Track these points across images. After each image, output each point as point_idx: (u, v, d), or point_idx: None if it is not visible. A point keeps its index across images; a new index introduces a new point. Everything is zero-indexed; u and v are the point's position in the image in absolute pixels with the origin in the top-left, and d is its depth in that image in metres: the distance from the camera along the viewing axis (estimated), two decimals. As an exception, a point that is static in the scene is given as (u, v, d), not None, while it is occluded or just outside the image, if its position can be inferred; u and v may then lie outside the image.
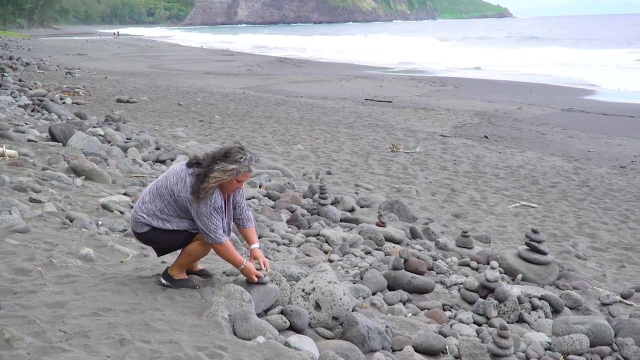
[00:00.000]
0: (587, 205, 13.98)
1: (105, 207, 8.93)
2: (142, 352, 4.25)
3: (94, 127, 16.18)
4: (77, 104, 23.00)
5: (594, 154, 19.23)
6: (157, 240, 5.58)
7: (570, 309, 7.75)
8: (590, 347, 6.25)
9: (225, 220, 5.53)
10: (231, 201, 5.63)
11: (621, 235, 12.06)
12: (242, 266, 5.52)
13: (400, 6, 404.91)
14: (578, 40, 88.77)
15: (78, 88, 27.70)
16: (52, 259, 6.05)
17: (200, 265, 6.07)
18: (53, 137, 13.24)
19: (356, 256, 8.68)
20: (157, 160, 13.67)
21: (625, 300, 8.33)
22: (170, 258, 6.24)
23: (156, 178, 5.80)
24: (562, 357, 6.11)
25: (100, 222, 8.17)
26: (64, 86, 28.19)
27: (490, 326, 6.70)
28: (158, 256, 5.94)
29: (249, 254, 5.80)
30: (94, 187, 10.26)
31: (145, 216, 5.47)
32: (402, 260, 7.66)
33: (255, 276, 5.55)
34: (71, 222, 7.83)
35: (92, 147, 12.98)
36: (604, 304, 8.08)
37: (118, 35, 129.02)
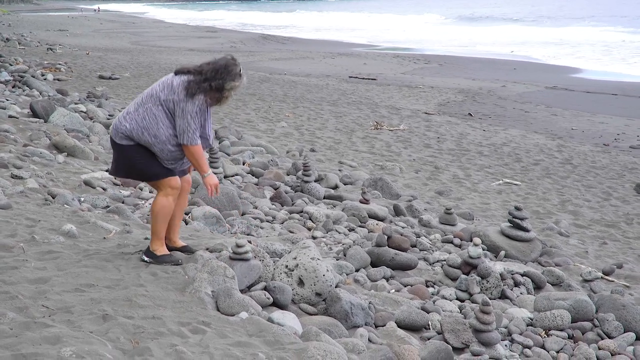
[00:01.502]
0: (570, 182, 14.05)
1: (87, 183, 8.88)
2: (125, 327, 4.24)
3: (75, 103, 16.03)
4: (58, 80, 22.77)
5: (578, 131, 19.32)
6: (131, 157, 5.54)
7: (553, 285, 7.81)
8: (572, 322, 6.31)
9: (208, 126, 5.64)
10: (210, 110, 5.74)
11: (603, 212, 12.15)
12: (207, 173, 5.58)
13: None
14: (541, 18, 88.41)
15: (59, 64, 27.40)
16: (35, 235, 6.01)
17: (182, 242, 6.05)
18: (34, 114, 13.11)
19: (339, 233, 8.69)
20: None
21: (606, 277, 8.42)
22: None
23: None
24: (544, 332, 6.17)
25: (82, 199, 8.12)
26: (45, 62, 27.87)
27: (472, 302, 6.74)
28: (110, 174, 6.01)
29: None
30: (76, 164, 10.19)
31: (127, 125, 5.45)
32: (386, 237, 7.68)
33: (212, 192, 5.61)
34: (53, 198, 7.77)
35: (74, 124, 12.87)
36: (585, 280, 8.15)
37: (99, 11, 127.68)
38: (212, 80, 5.40)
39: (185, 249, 5.97)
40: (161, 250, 5.69)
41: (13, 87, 17.96)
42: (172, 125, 5.43)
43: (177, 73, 5.52)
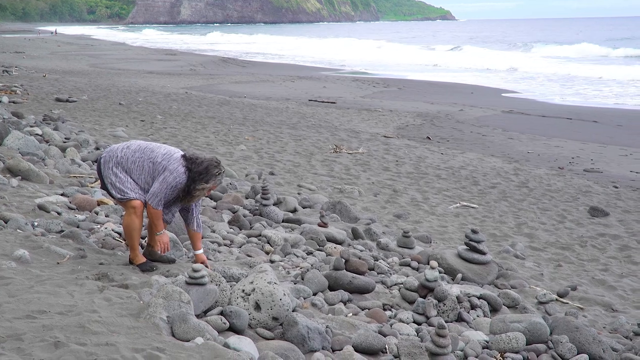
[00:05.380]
0: (526, 205, 14.24)
1: (41, 207, 8.73)
2: (78, 354, 4.18)
3: (31, 126, 15.81)
4: (14, 102, 22.45)
5: (533, 155, 19.61)
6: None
7: (508, 307, 7.88)
8: (527, 345, 6.36)
9: (174, 208, 6.60)
10: None
11: (558, 235, 12.32)
12: (161, 232, 6.44)
13: (344, 8, 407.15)
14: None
15: (15, 86, 27.02)
16: (-15, 261, 5.90)
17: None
18: (-12, 137, 12.90)
19: (297, 257, 8.67)
20: (97, 161, 13.41)
21: (561, 299, 8.53)
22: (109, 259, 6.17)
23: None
24: (500, 355, 6.21)
25: (36, 223, 7.98)
26: (0, 84, 27.52)
27: (429, 325, 6.76)
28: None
29: (194, 258, 6.75)
30: (31, 188, 10.02)
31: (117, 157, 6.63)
32: (343, 261, 7.68)
33: (163, 249, 6.53)
34: (5, 223, 7.63)
35: (29, 147, 12.68)
36: (540, 303, 8.25)
37: (56, 33, 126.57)
38: (191, 182, 6.25)
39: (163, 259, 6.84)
40: (138, 259, 6.54)
41: (-33, 110, 17.67)
42: (150, 182, 6.39)
43: (183, 157, 6.34)
